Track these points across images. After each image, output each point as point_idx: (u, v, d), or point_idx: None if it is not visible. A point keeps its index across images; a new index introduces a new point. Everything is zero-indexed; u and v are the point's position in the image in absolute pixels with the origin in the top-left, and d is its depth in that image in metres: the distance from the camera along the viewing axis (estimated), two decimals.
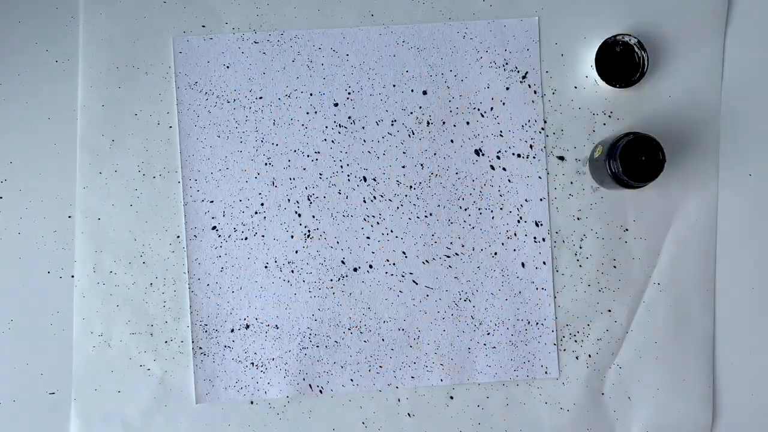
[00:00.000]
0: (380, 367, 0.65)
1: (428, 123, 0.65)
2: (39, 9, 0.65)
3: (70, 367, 0.64)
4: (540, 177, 0.65)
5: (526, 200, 0.65)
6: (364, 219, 0.65)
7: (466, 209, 0.65)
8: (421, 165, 0.65)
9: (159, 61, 0.65)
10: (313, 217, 0.65)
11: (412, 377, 0.65)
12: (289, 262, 0.64)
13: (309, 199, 0.64)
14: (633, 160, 0.59)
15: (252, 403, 0.65)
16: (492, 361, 0.65)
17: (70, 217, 0.65)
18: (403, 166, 0.65)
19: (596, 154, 0.62)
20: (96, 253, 0.64)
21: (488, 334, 0.65)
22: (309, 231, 0.65)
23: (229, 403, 0.64)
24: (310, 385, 0.64)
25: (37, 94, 0.65)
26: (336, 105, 0.65)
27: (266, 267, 0.64)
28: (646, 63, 0.63)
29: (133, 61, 0.65)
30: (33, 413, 0.65)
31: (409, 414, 0.65)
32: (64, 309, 0.65)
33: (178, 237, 0.65)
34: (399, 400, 0.65)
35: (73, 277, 0.65)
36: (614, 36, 0.63)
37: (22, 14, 0.65)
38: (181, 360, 0.64)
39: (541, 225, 0.65)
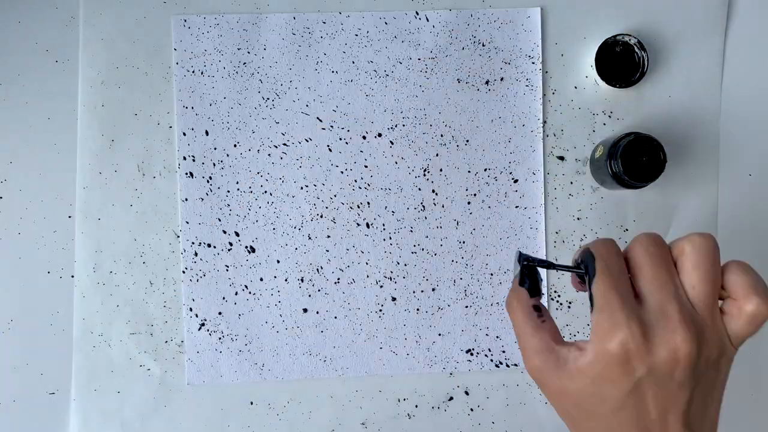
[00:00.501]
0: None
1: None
2: (39, 9, 0.65)
3: (70, 367, 0.64)
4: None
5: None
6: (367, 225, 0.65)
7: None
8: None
9: (159, 60, 0.65)
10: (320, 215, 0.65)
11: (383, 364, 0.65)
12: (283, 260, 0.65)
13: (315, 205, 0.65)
14: (634, 160, 0.59)
15: (252, 403, 0.65)
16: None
17: (70, 217, 0.65)
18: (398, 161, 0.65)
19: (597, 154, 0.62)
20: (96, 253, 0.64)
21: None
22: (310, 232, 0.65)
23: (227, 402, 0.65)
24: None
25: (37, 94, 0.65)
26: (336, 109, 0.65)
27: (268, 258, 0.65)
28: (646, 63, 0.63)
29: (133, 61, 0.65)
30: (33, 413, 0.65)
31: (409, 414, 0.65)
32: (64, 309, 0.65)
33: (178, 237, 0.65)
34: (399, 401, 0.65)
35: (73, 277, 0.65)
36: (614, 36, 0.63)
37: (22, 14, 0.65)
38: (181, 360, 0.64)
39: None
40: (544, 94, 0.65)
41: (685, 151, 0.65)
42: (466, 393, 0.65)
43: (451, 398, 0.65)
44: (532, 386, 0.65)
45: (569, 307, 0.65)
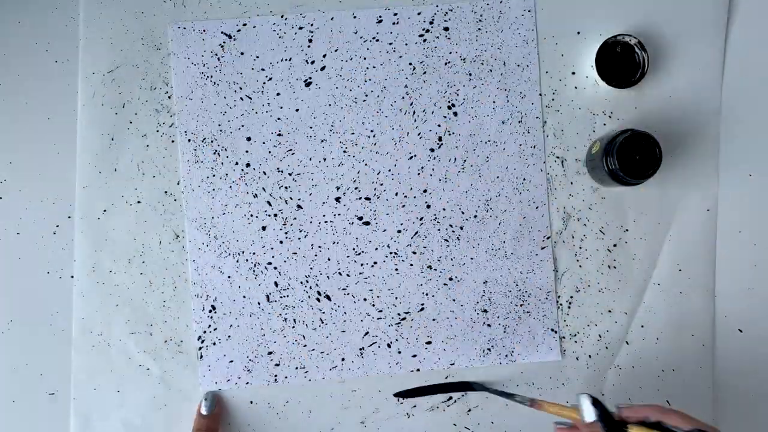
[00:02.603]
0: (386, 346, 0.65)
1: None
2: (39, 9, 0.65)
3: (69, 367, 0.64)
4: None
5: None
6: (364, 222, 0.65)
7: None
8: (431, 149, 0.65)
9: (159, 60, 0.65)
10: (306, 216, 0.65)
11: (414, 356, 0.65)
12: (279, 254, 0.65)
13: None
14: (630, 157, 0.59)
15: (252, 402, 0.65)
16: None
17: (69, 217, 0.65)
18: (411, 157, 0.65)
19: (593, 150, 0.62)
20: (95, 252, 0.64)
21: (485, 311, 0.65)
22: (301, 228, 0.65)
23: (228, 401, 0.65)
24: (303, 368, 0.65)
25: (37, 94, 0.65)
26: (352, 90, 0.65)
27: (266, 263, 0.65)
28: (646, 63, 0.63)
29: (132, 61, 0.65)
30: (33, 413, 0.65)
31: (408, 414, 0.65)
32: (63, 309, 0.65)
33: (178, 236, 0.65)
34: (398, 400, 0.65)
35: (72, 277, 0.65)
36: (614, 36, 0.63)
37: (22, 14, 0.65)
38: (181, 360, 0.64)
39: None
40: (544, 94, 0.65)
41: (685, 151, 0.65)
42: (466, 393, 0.65)
43: (451, 398, 0.65)
44: (531, 386, 0.65)
45: (569, 306, 0.65)
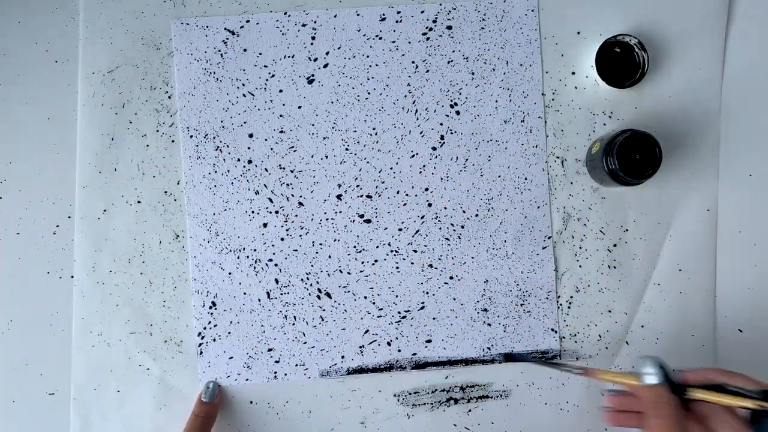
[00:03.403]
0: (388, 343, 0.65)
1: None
2: (39, 9, 0.65)
3: (69, 367, 0.64)
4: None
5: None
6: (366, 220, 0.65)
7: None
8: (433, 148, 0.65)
9: (159, 60, 0.65)
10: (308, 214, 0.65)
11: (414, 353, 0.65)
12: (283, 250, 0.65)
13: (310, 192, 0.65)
14: (630, 157, 0.59)
15: (251, 402, 0.65)
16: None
17: (69, 217, 0.65)
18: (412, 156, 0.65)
19: (594, 150, 0.62)
20: (95, 252, 0.64)
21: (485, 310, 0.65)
22: (302, 225, 0.65)
23: (228, 401, 0.65)
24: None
25: (37, 94, 0.65)
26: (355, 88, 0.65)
27: (267, 262, 0.65)
28: (646, 63, 0.63)
29: (132, 61, 0.65)
30: (33, 413, 0.64)
31: (408, 414, 0.65)
32: (63, 309, 0.65)
33: (178, 236, 0.65)
34: (398, 400, 0.65)
35: (72, 277, 0.64)
36: (614, 36, 0.63)
37: (22, 14, 0.65)
38: (181, 360, 0.64)
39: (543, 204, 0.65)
40: (544, 94, 0.65)
41: (685, 151, 0.65)
42: (466, 393, 0.65)
43: (451, 398, 0.65)
44: (531, 387, 0.65)
45: (569, 306, 0.65)
